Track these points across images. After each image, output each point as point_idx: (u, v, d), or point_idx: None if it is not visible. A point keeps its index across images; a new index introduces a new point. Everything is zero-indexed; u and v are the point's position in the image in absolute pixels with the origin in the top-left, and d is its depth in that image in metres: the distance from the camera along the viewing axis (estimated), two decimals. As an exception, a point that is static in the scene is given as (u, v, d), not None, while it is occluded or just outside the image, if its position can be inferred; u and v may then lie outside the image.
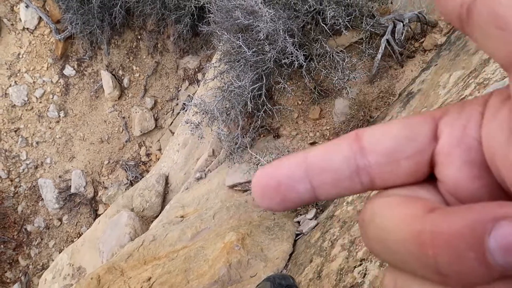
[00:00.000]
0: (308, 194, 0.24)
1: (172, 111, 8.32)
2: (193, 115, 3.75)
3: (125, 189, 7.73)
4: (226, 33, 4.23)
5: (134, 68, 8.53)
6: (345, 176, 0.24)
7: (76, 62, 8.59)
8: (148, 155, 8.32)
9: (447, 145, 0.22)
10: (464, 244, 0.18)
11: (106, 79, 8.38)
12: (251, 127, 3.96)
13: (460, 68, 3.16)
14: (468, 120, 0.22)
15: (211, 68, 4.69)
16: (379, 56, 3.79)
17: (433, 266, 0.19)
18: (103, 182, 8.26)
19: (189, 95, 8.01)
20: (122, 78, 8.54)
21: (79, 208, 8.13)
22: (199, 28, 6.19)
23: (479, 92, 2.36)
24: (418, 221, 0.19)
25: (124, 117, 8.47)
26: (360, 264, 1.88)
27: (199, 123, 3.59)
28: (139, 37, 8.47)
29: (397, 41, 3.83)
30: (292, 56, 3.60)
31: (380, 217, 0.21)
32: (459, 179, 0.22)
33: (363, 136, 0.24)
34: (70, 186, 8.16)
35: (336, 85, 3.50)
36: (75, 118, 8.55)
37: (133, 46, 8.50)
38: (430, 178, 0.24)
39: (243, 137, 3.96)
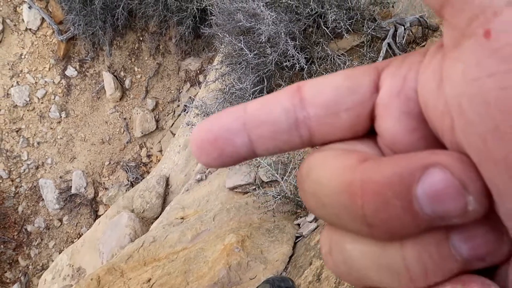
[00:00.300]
0: (246, 148, 0.23)
1: (173, 113, 8.34)
2: (194, 117, 3.76)
3: (126, 190, 7.74)
4: (228, 36, 4.25)
5: (136, 69, 8.56)
6: (284, 129, 0.22)
7: (78, 63, 8.62)
8: (148, 156, 8.33)
9: (387, 96, 0.21)
10: (392, 192, 0.17)
11: (107, 80, 8.40)
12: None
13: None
14: (409, 70, 0.21)
15: (212, 70, 4.70)
16: (380, 59, 3.79)
17: (362, 216, 0.18)
18: (104, 183, 8.27)
19: (190, 97, 8.03)
20: (124, 79, 8.57)
21: (79, 208, 8.14)
22: (201, 30, 6.21)
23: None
24: (350, 171, 0.19)
25: (125, 118, 8.49)
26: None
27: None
28: (141, 39, 8.50)
29: (398, 44, 3.84)
30: (294, 59, 3.61)
31: (315, 171, 0.21)
32: (396, 131, 0.21)
33: (304, 88, 0.23)
34: (71, 186, 8.17)
35: (337, 88, 3.52)
36: (77, 118, 8.57)
37: (135, 48, 8.53)
38: (370, 134, 0.23)
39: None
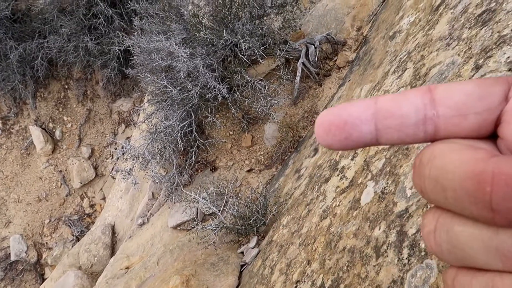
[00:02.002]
0: (370, 136, 0.26)
1: (111, 157, 8.07)
2: (123, 163, 3.68)
3: (71, 246, 7.30)
4: (149, 75, 4.25)
5: (65, 118, 8.23)
6: (411, 123, 0.25)
7: (0, 121, 8.13)
8: (92, 206, 7.96)
9: None
10: None
11: (36, 134, 8.00)
12: (187, 164, 3.96)
13: (368, 81, 3.41)
14: None
15: (140, 111, 4.66)
16: (297, 79, 3.98)
17: (487, 202, 0.21)
18: (46, 243, 7.74)
19: (127, 138, 7.85)
20: (54, 130, 8.20)
21: (22, 276, 7.53)
22: (126, 71, 6.16)
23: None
24: (481, 163, 0.21)
25: (61, 171, 8.08)
26: (296, 287, 1.93)
27: (130, 169, 3.54)
28: (66, 87, 8.22)
29: (312, 62, 4.05)
30: (215, 90, 3.69)
31: (440, 159, 0.23)
32: None
33: (435, 90, 0.26)
34: (9, 253, 7.56)
35: (260, 112, 3.62)
36: (7, 180, 8.02)
37: (61, 97, 8.23)
38: (490, 136, 0.25)
39: (180, 175, 3.95)
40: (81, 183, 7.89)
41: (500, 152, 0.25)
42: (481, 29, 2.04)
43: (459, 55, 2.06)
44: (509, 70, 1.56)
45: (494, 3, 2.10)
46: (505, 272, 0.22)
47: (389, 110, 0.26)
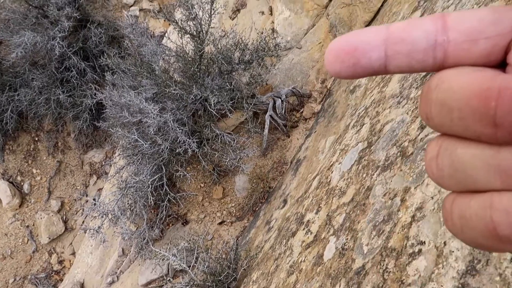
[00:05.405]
0: (379, 63, 0.26)
1: (82, 210, 7.86)
2: (91, 221, 3.63)
3: (37, 307, 6.89)
4: (120, 130, 4.29)
5: (35, 171, 8.05)
6: (421, 48, 0.25)
7: (-35, 176, 7.86)
8: (60, 262, 7.61)
9: None
10: None
11: (2, 188, 7.74)
12: (158, 219, 3.93)
13: (332, 133, 3.56)
14: None
15: (111, 165, 4.65)
16: (266, 131, 4.12)
17: (491, 117, 0.21)
18: (10, 304, 7.27)
19: (99, 189, 7.71)
20: (22, 184, 7.97)
21: None
22: (98, 124, 6.17)
23: (342, 159, 2.67)
24: (488, 80, 0.22)
25: (28, 226, 7.77)
26: None
27: (99, 227, 3.48)
28: (36, 139, 8.11)
29: (279, 115, 4.22)
30: (185, 144, 3.76)
31: (448, 81, 0.24)
32: None
33: (448, 16, 0.25)
34: (-32, 318, 7.03)
35: (230, 165, 3.70)
36: (-31, 237, 7.62)
37: (31, 149, 8.09)
38: (499, 66, 0.25)
39: (151, 230, 3.90)
40: (49, 238, 7.58)
41: None
42: (426, 90, 2.22)
43: (407, 113, 2.23)
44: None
45: (436, 66, 2.30)
46: (504, 190, 0.23)
47: (400, 35, 0.26)
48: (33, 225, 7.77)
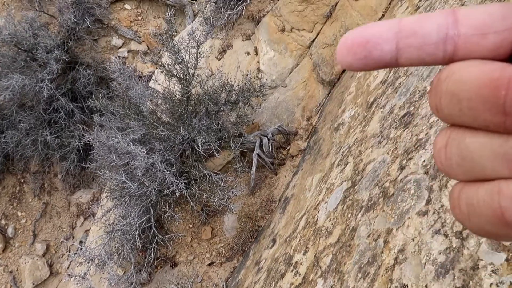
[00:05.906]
0: (390, 55, 0.26)
1: (68, 252, 7.65)
2: (77, 266, 3.55)
3: None
4: (108, 172, 4.29)
5: (20, 214, 7.88)
6: (432, 41, 0.26)
7: None
8: (44, 309, 7.31)
9: None
10: None
11: (-15, 233, 7.53)
12: (146, 262, 3.87)
13: (318, 171, 3.62)
14: None
15: (99, 207, 4.60)
16: (253, 169, 4.16)
17: (500, 106, 0.22)
18: None
19: (86, 231, 7.55)
20: (6, 227, 7.77)
21: None
22: (86, 165, 6.14)
23: (328, 198, 2.71)
24: (498, 71, 0.23)
25: (11, 271, 7.51)
26: None
27: (85, 273, 3.41)
28: (22, 181, 8.00)
29: (266, 153, 4.28)
30: (173, 185, 3.76)
31: (458, 73, 0.25)
32: None
33: (459, 11, 0.26)
34: None
35: (218, 205, 3.70)
36: (-52, 286, 7.32)
37: (16, 191, 7.96)
38: (507, 60, 0.26)
39: (139, 273, 3.83)
40: (33, 284, 7.32)
41: None
42: (404, 130, 2.31)
43: (388, 153, 2.30)
44: (425, 173, 1.78)
45: (413, 107, 2.41)
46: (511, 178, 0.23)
47: (412, 28, 0.26)
48: (17, 270, 7.52)
